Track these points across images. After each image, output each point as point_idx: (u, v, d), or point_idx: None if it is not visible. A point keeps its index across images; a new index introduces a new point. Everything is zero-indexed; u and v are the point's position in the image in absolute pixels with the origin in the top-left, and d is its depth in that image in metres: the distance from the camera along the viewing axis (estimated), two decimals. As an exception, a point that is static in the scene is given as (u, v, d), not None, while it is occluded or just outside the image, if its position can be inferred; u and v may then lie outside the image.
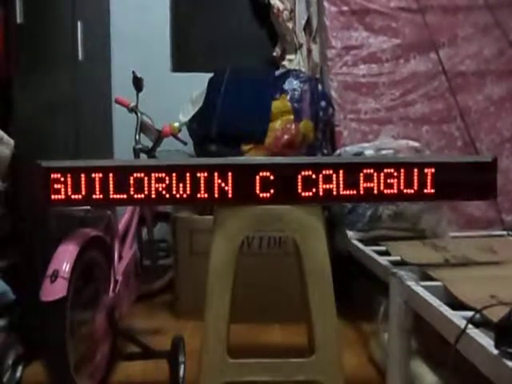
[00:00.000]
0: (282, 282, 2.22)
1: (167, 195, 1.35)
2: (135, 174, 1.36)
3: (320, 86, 2.55)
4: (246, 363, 1.41)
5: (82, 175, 1.35)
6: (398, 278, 1.45)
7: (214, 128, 2.42)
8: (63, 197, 1.36)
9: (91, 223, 1.76)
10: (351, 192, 1.36)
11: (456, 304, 1.25)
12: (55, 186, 1.35)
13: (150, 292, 2.55)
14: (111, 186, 1.36)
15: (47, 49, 2.08)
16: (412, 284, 1.40)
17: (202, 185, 1.34)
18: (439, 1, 2.66)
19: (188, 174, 1.34)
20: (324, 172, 1.35)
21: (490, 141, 2.58)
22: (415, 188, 1.37)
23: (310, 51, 2.81)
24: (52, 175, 1.35)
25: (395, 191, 1.36)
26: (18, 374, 1.61)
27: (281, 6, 2.80)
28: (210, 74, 2.60)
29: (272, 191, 1.35)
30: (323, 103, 2.51)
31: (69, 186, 1.36)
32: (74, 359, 1.47)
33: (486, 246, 1.93)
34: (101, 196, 1.36)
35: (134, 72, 2.11)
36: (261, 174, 1.35)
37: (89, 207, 1.56)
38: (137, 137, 2.08)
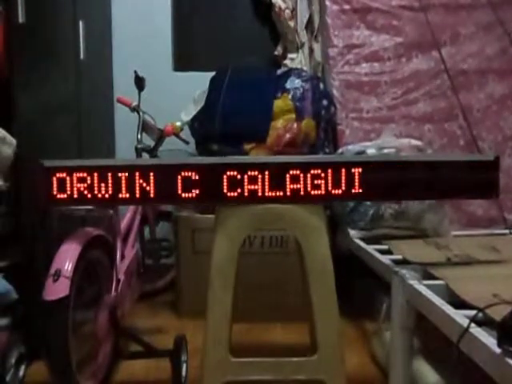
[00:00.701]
0: (284, 281, 2.22)
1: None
2: (139, 173, 1.36)
3: (322, 85, 2.54)
4: (248, 362, 1.41)
5: (84, 174, 1.36)
6: (400, 276, 1.44)
7: (216, 127, 2.42)
8: (65, 196, 1.36)
9: (93, 222, 1.76)
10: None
11: (458, 303, 1.25)
12: (57, 185, 1.36)
13: (152, 291, 2.56)
14: (113, 185, 1.36)
15: (49, 48, 2.09)
16: (414, 283, 1.40)
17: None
18: (441, -1, 2.65)
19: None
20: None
21: (492, 139, 2.57)
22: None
23: (311, 50, 2.80)
24: (54, 174, 1.36)
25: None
26: (21, 373, 1.62)
27: (282, 5, 2.79)
28: (212, 73, 2.61)
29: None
30: (325, 102, 2.51)
31: (71, 186, 1.36)
32: (76, 358, 1.48)
33: (488, 244, 1.92)
34: (103, 195, 1.36)
35: (135, 71, 2.11)
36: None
37: (91, 206, 1.57)
38: (139, 136, 2.09)
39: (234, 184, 1.34)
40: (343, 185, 1.35)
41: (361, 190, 1.35)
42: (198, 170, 1.35)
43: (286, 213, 1.38)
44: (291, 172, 1.34)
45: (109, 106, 2.77)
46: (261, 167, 1.34)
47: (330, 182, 1.35)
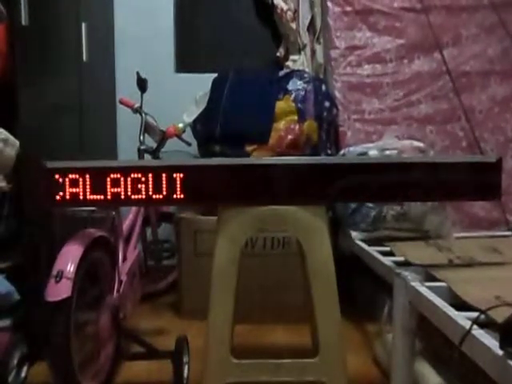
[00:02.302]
0: (286, 283, 2.22)
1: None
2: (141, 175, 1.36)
3: (324, 87, 2.55)
4: (249, 364, 1.41)
5: (87, 176, 1.36)
6: (402, 278, 1.44)
7: (218, 129, 2.43)
8: (68, 197, 1.37)
9: (95, 224, 1.77)
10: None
11: (460, 305, 1.25)
12: (60, 186, 1.36)
13: (154, 292, 2.56)
14: (115, 186, 1.36)
15: (52, 50, 2.09)
16: (416, 284, 1.40)
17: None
18: (443, 0, 2.65)
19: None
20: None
21: (494, 141, 2.57)
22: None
23: (313, 51, 2.81)
24: (56, 176, 1.36)
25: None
26: (23, 373, 1.62)
27: (284, 7, 2.80)
28: (214, 75, 2.61)
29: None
30: (327, 103, 2.51)
31: (73, 187, 1.36)
32: (78, 359, 1.48)
33: (490, 246, 1.92)
34: (105, 197, 1.37)
35: (138, 73, 2.11)
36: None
37: (93, 208, 1.57)
38: (141, 137, 2.09)
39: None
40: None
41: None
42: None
43: (287, 214, 1.38)
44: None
45: (111, 107, 2.77)
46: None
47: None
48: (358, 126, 2.57)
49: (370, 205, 2.10)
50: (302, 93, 2.46)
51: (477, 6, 2.64)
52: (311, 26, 2.82)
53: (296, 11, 2.81)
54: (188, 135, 2.44)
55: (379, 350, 1.85)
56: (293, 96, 2.46)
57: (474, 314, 1.11)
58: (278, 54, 2.90)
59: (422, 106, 2.59)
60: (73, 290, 1.42)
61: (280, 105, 2.45)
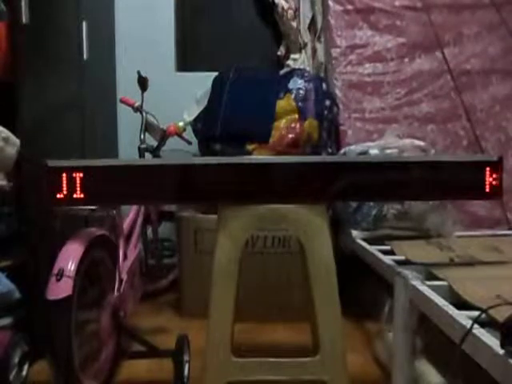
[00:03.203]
0: (287, 282, 2.22)
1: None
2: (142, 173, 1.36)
3: (324, 85, 2.54)
4: (250, 362, 1.41)
5: (87, 174, 1.36)
6: (402, 277, 1.44)
7: (219, 127, 2.43)
8: (68, 196, 1.36)
9: (96, 222, 1.77)
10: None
11: (461, 304, 1.25)
12: (60, 185, 1.36)
13: (154, 291, 2.56)
14: (116, 185, 1.36)
15: (52, 49, 2.09)
16: (417, 283, 1.39)
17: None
18: (444, -1, 2.65)
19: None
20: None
21: (495, 140, 2.57)
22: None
23: (314, 50, 2.81)
24: (57, 174, 1.36)
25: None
26: (24, 372, 1.62)
27: (285, 5, 2.80)
28: (215, 74, 2.61)
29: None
30: (328, 102, 2.51)
31: (74, 186, 1.36)
32: (79, 358, 1.48)
33: (491, 245, 1.92)
34: (106, 195, 1.37)
35: (138, 72, 2.11)
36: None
37: (94, 207, 1.57)
38: (142, 136, 2.09)
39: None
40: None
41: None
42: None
43: (288, 213, 1.38)
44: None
45: (112, 106, 2.77)
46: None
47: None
48: (359, 124, 2.56)
49: (371, 203, 2.10)
50: (303, 91, 2.46)
51: (478, 5, 2.64)
52: (312, 25, 2.82)
53: (297, 10, 2.81)
54: (189, 134, 2.44)
55: (380, 349, 1.85)
56: (293, 95, 2.46)
57: (475, 313, 1.11)
58: (278, 53, 2.90)
59: (423, 104, 2.59)
60: (73, 289, 1.42)
61: (281, 103, 2.45)
